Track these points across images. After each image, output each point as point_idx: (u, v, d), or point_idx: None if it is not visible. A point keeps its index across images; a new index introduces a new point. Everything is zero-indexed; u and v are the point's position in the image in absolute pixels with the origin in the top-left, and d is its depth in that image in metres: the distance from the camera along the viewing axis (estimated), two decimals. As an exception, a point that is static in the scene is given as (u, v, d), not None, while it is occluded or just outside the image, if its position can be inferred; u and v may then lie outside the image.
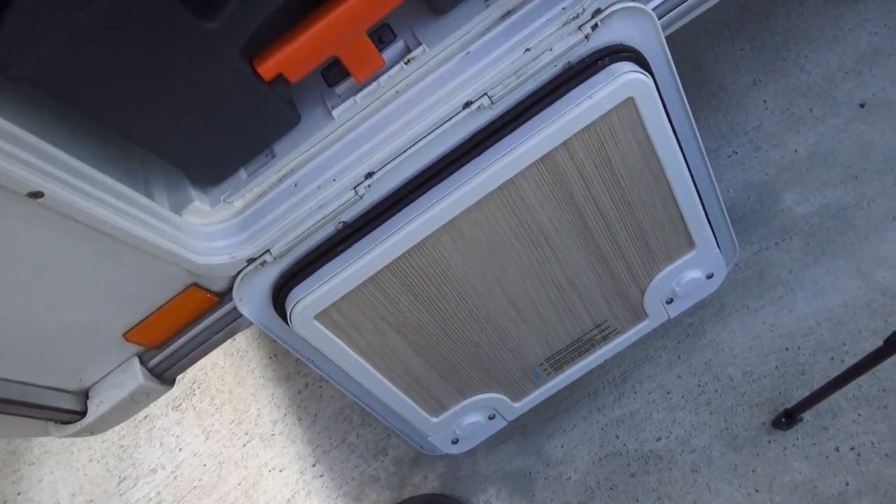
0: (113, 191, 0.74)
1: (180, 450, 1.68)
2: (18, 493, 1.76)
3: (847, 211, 1.34)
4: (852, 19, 1.51)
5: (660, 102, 0.86)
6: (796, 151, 1.43)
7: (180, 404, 1.74)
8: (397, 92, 0.85)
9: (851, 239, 1.32)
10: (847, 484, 1.15)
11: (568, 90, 0.85)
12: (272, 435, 1.61)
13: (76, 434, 0.95)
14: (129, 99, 0.71)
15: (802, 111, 1.46)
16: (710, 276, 1.12)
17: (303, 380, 1.64)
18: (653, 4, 0.87)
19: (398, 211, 0.88)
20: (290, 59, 0.73)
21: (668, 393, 1.32)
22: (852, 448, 1.17)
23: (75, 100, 0.68)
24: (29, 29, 0.59)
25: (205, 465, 1.64)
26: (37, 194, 0.64)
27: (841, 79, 1.46)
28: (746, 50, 1.56)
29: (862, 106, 1.42)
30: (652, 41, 0.86)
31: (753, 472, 1.22)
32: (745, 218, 1.40)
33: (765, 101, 1.50)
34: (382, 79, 0.84)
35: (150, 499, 1.66)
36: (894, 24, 1.46)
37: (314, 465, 1.55)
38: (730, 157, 1.47)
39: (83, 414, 0.94)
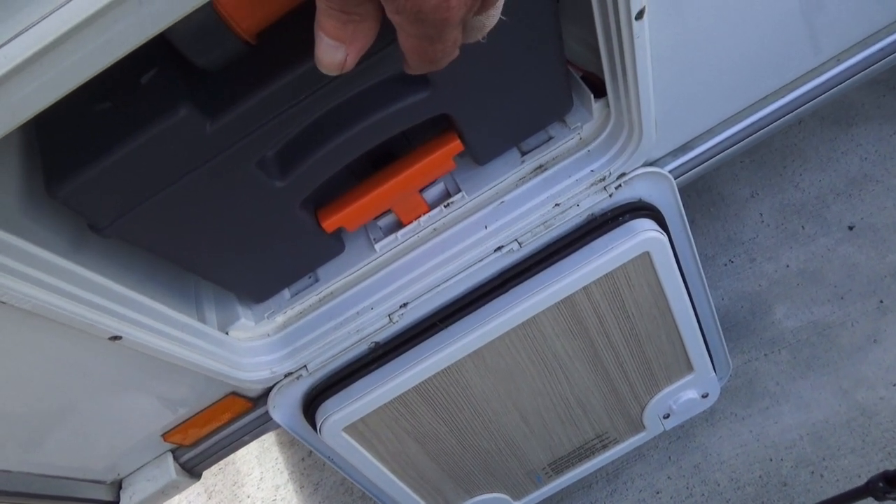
0: (173, 321, 0.81)
1: (182, 508, 1.72)
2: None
3: (832, 329, 1.43)
4: (846, 143, 1.62)
5: (673, 258, 0.94)
6: (788, 266, 1.53)
7: (185, 463, 1.78)
8: (435, 230, 0.93)
9: (835, 357, 1.41)
10: None
11: (590, 240, 0.93)
12: (273, 500, 1.66)
13: (106, 521, 1.00)
14: (199, 242, 0.78)
15: (795, 227, 1.56)
16: (704, 396, 1.20)
17: (306, 447, 1.69)
18: (670, 167, 0.96)
19: (428, 338, 0.95)
20: (351, 215, 0.81)
21: (658, 492, 1.40)
22: (827, 561, 1.25)
23: (156, 248, 0.75)
24: (122, 199, 0.67)
25: (205, 526, 1.69)
26: (116, 338, 0.71)
27: (832, 199, 1.57)
28: (746, 163, 1.66)
29: (850, 228, 1.52)
30: (669, 200, 0.95)
31: (734, 576, 1.29)
32: (738, 327, 1.50)
33: (761, 215, 1.60)
34: (423, 219, 0.92)
35: (148, 554, 1.69)
36: (885, 152, 1.58)
37: (312, 533, 1.60)
38: (726, 265, 1.57)
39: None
